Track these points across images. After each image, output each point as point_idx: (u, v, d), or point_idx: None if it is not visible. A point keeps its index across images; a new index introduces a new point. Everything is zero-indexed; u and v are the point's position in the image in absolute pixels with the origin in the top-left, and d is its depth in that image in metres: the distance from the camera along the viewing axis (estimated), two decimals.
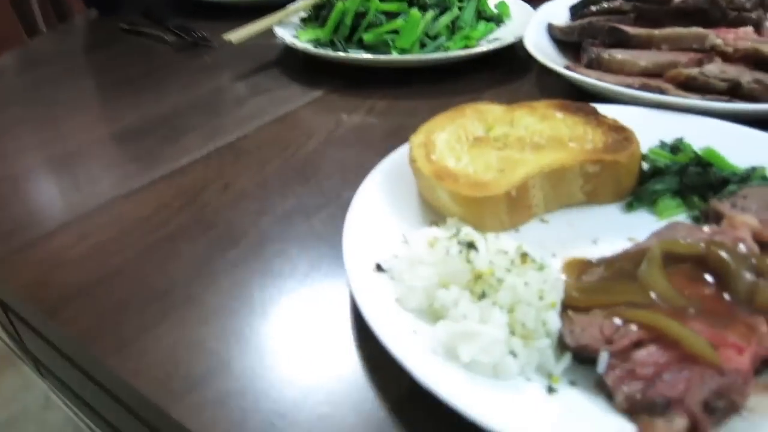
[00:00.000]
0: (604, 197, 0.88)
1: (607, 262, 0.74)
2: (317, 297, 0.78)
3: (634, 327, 0.61)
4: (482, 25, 1.50)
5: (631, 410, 0.56)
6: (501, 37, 1.46)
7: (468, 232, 0.73)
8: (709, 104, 1.05)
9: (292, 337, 0.72)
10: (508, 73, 1.40)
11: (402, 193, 0.88)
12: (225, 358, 0.69)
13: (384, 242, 0.78)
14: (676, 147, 0.96)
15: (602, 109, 0.98)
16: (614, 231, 0.83)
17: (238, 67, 1.51)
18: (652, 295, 0.65)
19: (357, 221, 0.80)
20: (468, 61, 1.38)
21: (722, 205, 0.78)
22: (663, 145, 0.97)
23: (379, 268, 0.73)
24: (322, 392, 0.65)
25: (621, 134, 0.90)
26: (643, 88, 1.11)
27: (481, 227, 0.82)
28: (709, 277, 0.67)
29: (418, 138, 0.91)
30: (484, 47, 1.38)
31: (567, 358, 0.62)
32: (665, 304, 0.64)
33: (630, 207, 0.87)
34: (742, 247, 0.69)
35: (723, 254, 0.67)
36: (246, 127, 1.21)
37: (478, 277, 0.66)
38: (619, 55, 1.24)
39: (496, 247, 0.71)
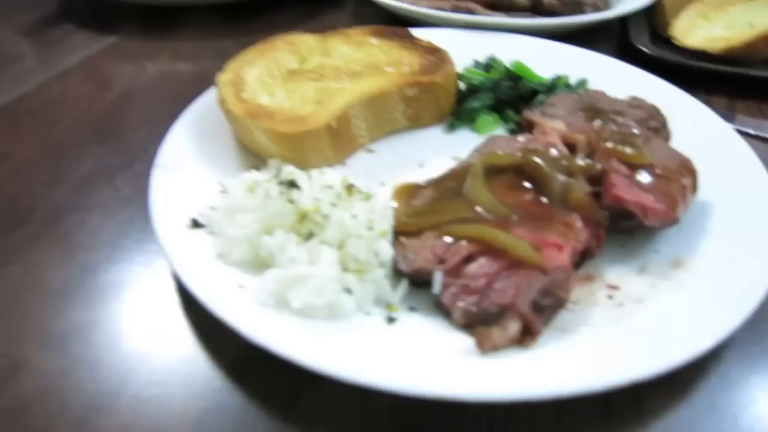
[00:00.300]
0: (426, 120, 0.87)
1: (435, 183, 0.73)
2: (130, 268, 0.68)
3: (463, 243, 0.61)
4: None
5: (468, 324, 0.56)
6: None
7: (289, 171, 0.67)
8: (515, 21, 1.08)
9: (105, 319, 0.62)
10: (322, 5, 1.33)
11: (216, 139, 0.80)
12: (20, 358, 0.57)
13: (199, 195, 0.70)
14: (489, 65, 0.97)
15: (418, 33, 0.97)
16: (438, 152, 0.82)
17: (11, 16, 1.27)
18: (478, 209, 0.65)
19: (166, 176, 0.71)
20: None
21: (533, 114, 0.80)
22: (477, 64, 0.98)
23: (195, 223, 0.66)
24: (145, 373, 0.57)
25: (435, 55, 0.89)
26: (454, 10, 1.12)
27: (305, 165, 0.76)
28: (527, 184, 0.69)
29: (226, 76, 0.82)
30: None
31: (404, 286, 0.60)
32: (490, 215, 0.64)
33: (451, 127, 0.88)
34: (553, 152, 0.72)
35: (536, 160, 0.69)
36: (25, 86, 1.03)
37: (302, 216, 0.61)
38: None
39: (320, 182, 0.66)
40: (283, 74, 0.83)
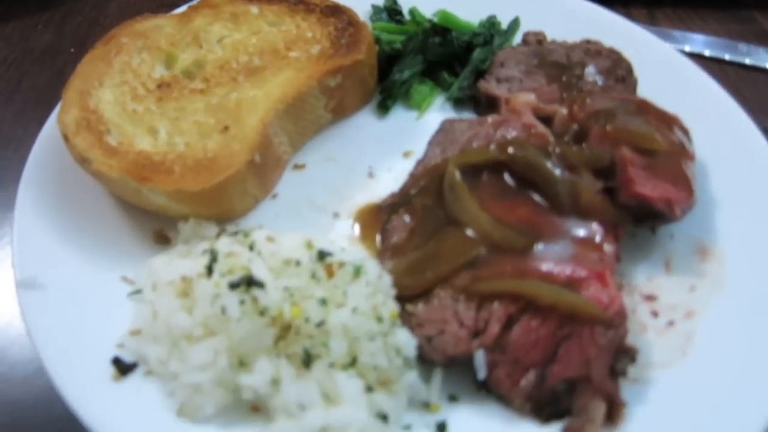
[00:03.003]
0: (351, 106, 0.68)
1: (405, 204, 0.58)
2: None
3: (496, 304, 0.48)
4: None
5: (536, 409, 0.46)
6: None
7: (230, 252, 0.47)
8: None
9: None
10: None
11: (82, 204, 0.56)
12: None
13: (103, 312, 0.49)
14: (394, 9, 0.78)
15: None
16: (383, 149, 0.65)
17: None
18: (470, 232, 0.52)
19: (39, 299, 0.48)
20: None
21: (490, 86, 0.66)
22: (378, 11, 0.79)
23: (120, 366, 0.45)
24: None
25: (339, 17, 0.68)
26: None
27: (228, 215, 0.57)
28: (511, 181, 0.57)
29: (69, 114, 0.55)
30: None
31: (438, 378, 0.47)
32: (501, 249, 0.52)
33: (383, 108, 0.70)
34: (533, 135, 0.59)
35: (529, 157, 0.56)
36: None
37: (285, 329, 0.44)
38: None
39: (277, 259, 0.48)
40: (153, 91, 0.59)
